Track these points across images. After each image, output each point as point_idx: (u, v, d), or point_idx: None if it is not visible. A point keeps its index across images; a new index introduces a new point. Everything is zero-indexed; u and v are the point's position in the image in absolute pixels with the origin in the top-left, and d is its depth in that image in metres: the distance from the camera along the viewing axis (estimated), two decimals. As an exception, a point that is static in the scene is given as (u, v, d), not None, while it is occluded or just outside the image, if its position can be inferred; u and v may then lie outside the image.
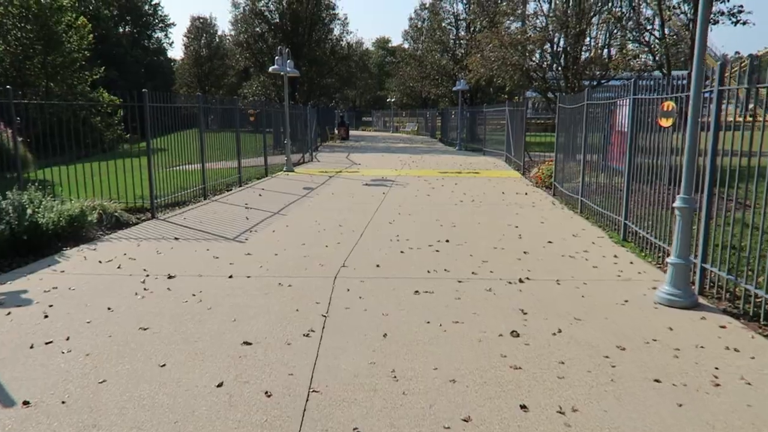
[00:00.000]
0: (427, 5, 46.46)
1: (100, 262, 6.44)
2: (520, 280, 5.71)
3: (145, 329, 4.43)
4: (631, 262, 6.45)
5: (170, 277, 5.85)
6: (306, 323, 4.57)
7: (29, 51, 25.53)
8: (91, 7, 62.86)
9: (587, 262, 6.50)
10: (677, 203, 4.96)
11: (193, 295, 5.27)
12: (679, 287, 4.88)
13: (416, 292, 5.35)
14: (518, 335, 4.29)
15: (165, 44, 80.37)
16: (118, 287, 5.50)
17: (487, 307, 4.95)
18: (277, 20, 32.25)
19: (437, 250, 7.01)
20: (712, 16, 9.89)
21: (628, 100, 7.39)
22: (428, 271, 6.07)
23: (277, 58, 15.81)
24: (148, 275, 5.91)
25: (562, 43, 16.55)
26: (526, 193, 12.14)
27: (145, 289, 5.45)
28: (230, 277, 5.87)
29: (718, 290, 5.15)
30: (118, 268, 6.20)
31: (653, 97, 6.45)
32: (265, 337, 4.28)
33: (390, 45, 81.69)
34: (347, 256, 6.72)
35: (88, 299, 5.14)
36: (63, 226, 7.51)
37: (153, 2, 79.50)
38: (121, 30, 74.94)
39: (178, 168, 10.79)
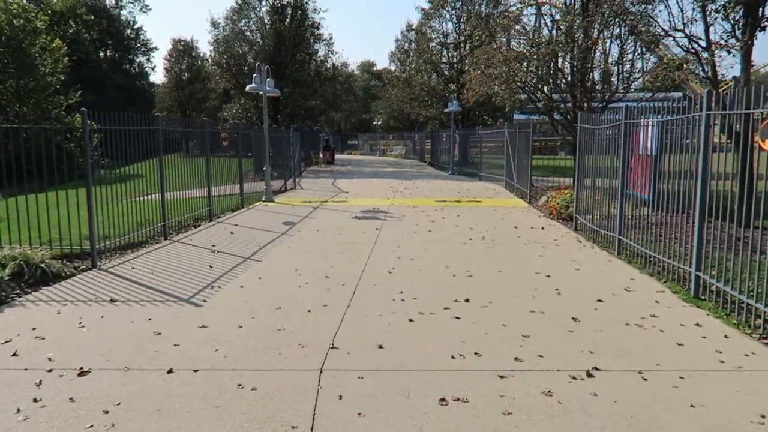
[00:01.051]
0: (414, 26, 45.48)
1: (-8, 344, 4.61)
2: (589, 374, 3.98)
3: (-2, 501, 2.62)
4: (726, 336, 4.75)
5: (82, 373, 4.04)
6: (274, 478, 2.79)
7: (1, 74, 23.83)
8: (70, 31, 61.48)
9: (663, 335, 4.79)
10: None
11: (106, 412, 3.47)
12: None
13: (442, 400, 3.59)
14: (632, 507, 2.54)
15: (147, 68, 79.04)
16: (-4, 396, 3.68)
17: (558, 432, 3.21)
18: (259, 40, 30.76)
19: (457, 317, 5.28)
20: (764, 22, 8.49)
21: (698, 118, 5.78)
22: (452, 357, 4.33)
23: (255, 76, 14.17)
24: (51, 369, 4.10)
25: (568, 58, 15.11)
26: (542, 228, 10.49)
27: (36, 399, 3.64)
28: (170, 371, 4.07)
29: None
30: (14, 355, 4.38)
31: (750, 112, 4.83)
32: None
33: (375, 68, 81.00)
34: (337, 329, 4.96)
35: (-62, 425, 3.32)
36: (-38, 287, 5.70)
37: (135, 27, 78.42)
38: (102, 54, 73.82)
39: (142, 199, 9.05)
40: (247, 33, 30.35)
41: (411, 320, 5.20)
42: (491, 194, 16.65)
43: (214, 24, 30.38)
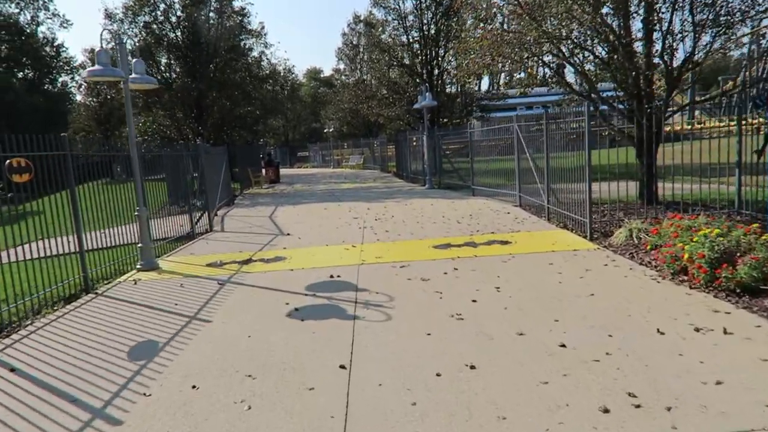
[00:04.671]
0: (362, 18, 39.85)
1: None
2: None
3: None
4: None
5: None
6: None
7: None
8: (-26, 48, 54.04)
9: None
10: None
11: None
12: None
13: None
14: None
15: (73, 88, 71.00)
16: None
17: None
18: (171, 33, 24.27)
19: None
20: None
21: None
22: None
23: (98, 50, 7.94)
24: None
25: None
26: (725, 330, 4.58)
27: None
28: None
29: None
30: None
31: None
32: None
33: (323, 75, 75.30)
34: None
35: None
36: None
37: (55, 44, 70.77)
38: (21, 75, 66.31)
39: None
40: (154, 25, 23.77)
41: None
42: (510, 222, 10.76)
43: (109, 15, 23.71)
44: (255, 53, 28.62)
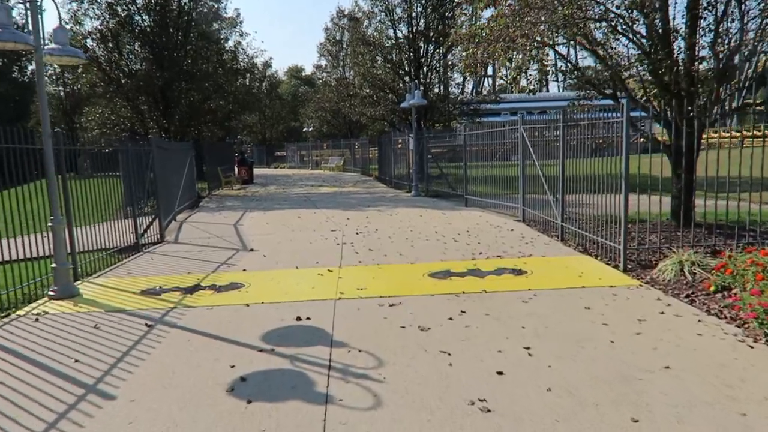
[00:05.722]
0: (346, 12, 38.11)
1: None
2: None
3: None
4: None
5: None
6: None
7: None
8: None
9: None
10: None
11: None
12: None
13: None
14: None
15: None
16: None
17: None
18: (137, 17, 22.22)
19: None
20: None
21: None
22: None
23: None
24: None
25: None
26: None
27: None
28: None
29: None
30: None
31: None
32: None
33: (304, 74, 73.31)
34: None
35: None
36: None
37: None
38: (-14, 61, 63.18)
39: None
40: (117, 7, 21.67)
41: None
42: (517, 242, 9.04)
43: (68, -6, 21.56)
44: (230, 43, 26.69)
